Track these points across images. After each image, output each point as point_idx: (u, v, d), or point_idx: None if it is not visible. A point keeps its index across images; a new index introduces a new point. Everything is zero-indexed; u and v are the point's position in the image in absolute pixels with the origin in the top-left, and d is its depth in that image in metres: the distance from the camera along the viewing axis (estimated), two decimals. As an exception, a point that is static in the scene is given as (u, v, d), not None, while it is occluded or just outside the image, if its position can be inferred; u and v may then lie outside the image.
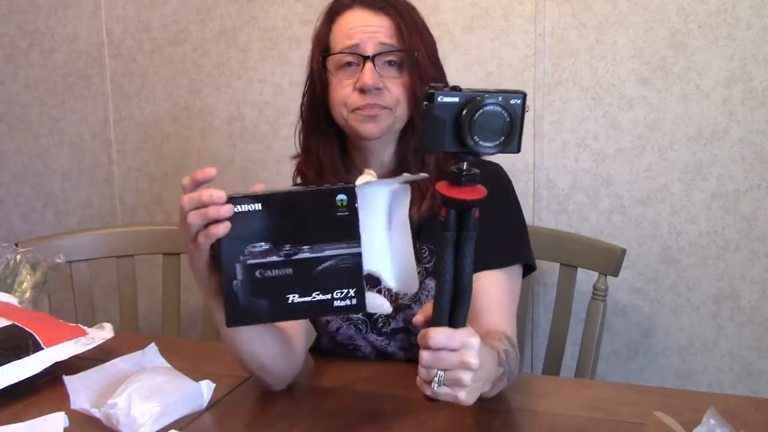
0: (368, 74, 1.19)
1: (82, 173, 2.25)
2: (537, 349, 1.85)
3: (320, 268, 0.96)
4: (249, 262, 0.94)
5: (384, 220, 1.00)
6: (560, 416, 1.10)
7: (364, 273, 0.98)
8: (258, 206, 0.93)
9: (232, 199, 0.93)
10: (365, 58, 1.20)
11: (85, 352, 1.27)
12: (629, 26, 1.69)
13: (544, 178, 1.80)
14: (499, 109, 0.84)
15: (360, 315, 1.29)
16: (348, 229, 0.96)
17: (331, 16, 1.27)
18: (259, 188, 0.96)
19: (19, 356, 1.20)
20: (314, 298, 0.96)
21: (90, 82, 2.19)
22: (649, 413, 0.92)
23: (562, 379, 1.58)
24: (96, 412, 1.06)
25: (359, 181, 0.98)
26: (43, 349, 1.23)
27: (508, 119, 0.84)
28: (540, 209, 1.81)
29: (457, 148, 0.85)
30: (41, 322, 1.30)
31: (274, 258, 0.95)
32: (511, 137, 0.84)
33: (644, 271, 1.76)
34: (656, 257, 1.75)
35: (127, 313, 1.80)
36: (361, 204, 0.96)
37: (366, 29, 1.21)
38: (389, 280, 1.02)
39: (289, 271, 0.95)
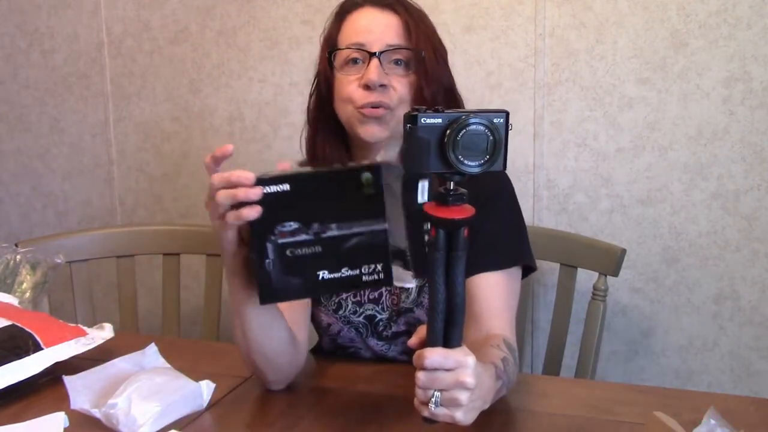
0: (373, 70, 1.18)
1: (82, 173, 2.25)
2: (537, 349, 1.85)
3: (348, 245, 0.99)
4: (280, 241, 0.98)
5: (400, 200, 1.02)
6: (560, 416, 1.10)
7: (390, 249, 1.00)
8: (286, 187, 0.96)
9: (261, 181, 0.95)
10: (371, 55, 1.19)
11: (85, 352, 1.27)
12: (629, 26, 1.69)
13: (544, 178, 1.80)
14: (482, 128, 0.86)
15: (361, 318, 1.29)
16: (374, 206, 0.98)
17: (341, 15, 1.27)
18: (284, 167, 0.98)
19: (19, 356, 1.20)
20: (343, 274, 1.00)
21: (90, 82, 2.19)
22: (649, 413, 0.92)
23: (562, 379, 1.58)
24: (96, 412, 1.06)
25: (380, 157, 0.99)
26: (43, 349, 1.23)
27: (491, 138, 0.86)
28: (540, 209, 1.81)
29: (442, 168, 0.87)
30: (41, 322, 1.30)
31: (304, 236, 0.98)
32: (495, 156, 0.86)
33: (644, 271, 1.76)
34: (656, 257, 1.75)
35: (127, 313, 1.80)
36: (392, 183, 0.98)
37: (374, 27, 1.21)
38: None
39: (319, 248, 0.99)
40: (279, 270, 0.99)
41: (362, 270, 1.00)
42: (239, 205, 0.95)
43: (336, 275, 1.00)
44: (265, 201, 0.95)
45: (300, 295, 1.04)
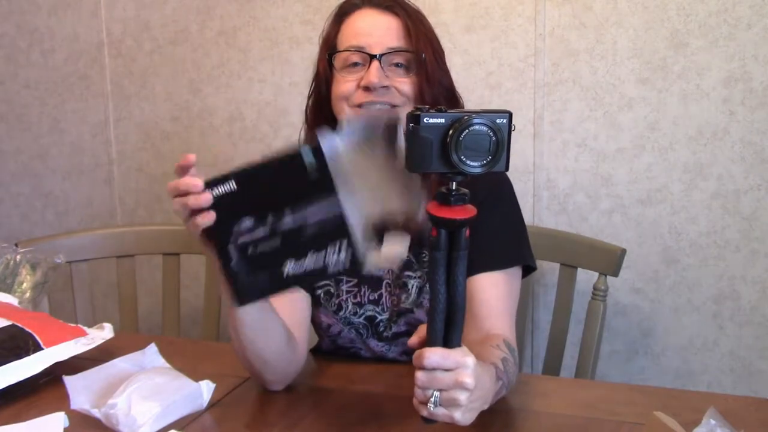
0: (374, 73, 1.18)
1: (82, 173, 2.25)
2: (537, 349, 1.85)
3: (306, 234, 0.96)
4: (239, 241, 0.96)
5: (365, 162, 0.96)
6: (560, 416, 1.10)
7: (375, 223, 0.96)
8: (233, 185, 0.95)
9: (208, 184, 0.95)
10: (372, 57, 1.19)
11: (85, 352, 1.27)
12: (629, 26, 1.69)
13: (544, 178, 1.80)
14: (485, 128, 0.85)
15: (361, 319, 1.29)
16: (323, 188, 0.95)
17: (340, 16, 1.26)
18: (189, 158, 0.97)
19: (19, 356, 1.20)
20: (308, 265, 0.97)
21: (90, 82, 2.19)
22: (649, 413, 0.92)
23: (562, 379, 1.58)
24: (96, 412, 1.06)
25: (322, 135, 0.95)
26: (43, 349, 1.23)
27: (494, 138, 0.85)
28: (540, 209, 1.81)
29: (444, 169, 0.86)
30: (41, 322, 1.30)
31: (261, 233, 0.96)
32: (498, 156, 0.86)
33: (644, 271, 1.76)
34: (656, 257, 1.75)
35: (127, 313, 1.80)
36: (338, 154, 0.94)
37: (374, 29, 1.21)
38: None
39: (278, 242, 0.96)
40: (244, 270, 0.97)
41: (327, 259, 0.97)
42: (195, 211, 0.96)
43: (301, 267, 0.97)
44: (218, 204, 0.95)
45: (271, 291, 1.02)
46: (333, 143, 0.94)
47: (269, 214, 0.96)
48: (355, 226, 0.96)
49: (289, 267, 0.98)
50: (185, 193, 0.96)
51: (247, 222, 0.96)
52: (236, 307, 1.03)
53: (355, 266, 0.97)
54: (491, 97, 1.79)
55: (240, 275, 0.97)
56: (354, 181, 0.95)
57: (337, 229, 0.96)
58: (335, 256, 0.97)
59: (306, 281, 1.04)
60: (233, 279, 0.98)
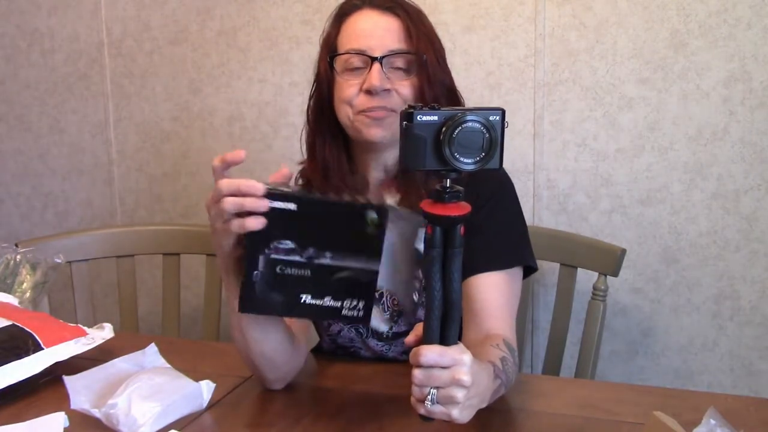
0: (375, 76, 1.18)
1: (82, 173, 2.25)
2: (537, 349, 1.85)
3: (337, 276, 1.00)
4: (272, 256, 0.98)
5: (394, 240, 1.02)
6: (560, 416, 1.10)
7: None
8: (293, 206, 0.96)
9: (269, 194, 0.96)
10: (373, 60, 1.19)
11: (85, 352, 1.27)
12: (629, 26, 1.69)
13: (544, 178, 1.80)
14: (478, 125, 0.86)
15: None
16: (372, 246, 1.00)
17: (340, 17, 1.26)
18: (284, 172, 1.00)
19: (19, 356, 1.20)
20: (325, 302, 1.01)
21: (90, 82, 2.19)
22: (649, 413, 0.92)
23: (562, 379, 1.58)
24: (96, 412, 1.06)
25: (388, 201, 1.00)
26: (43, 349, 1.23)
27: (487, 135, 0.86)
28: (540, 209, 1.81)
29: (438, 166, 0.87)
30: (41, 322, 1.30)
31: (297, 258, 0.99)
32: (491, 153, 0.86)
33: (644, 271, 1.76)
34: (656, 257, 1.75)
35: (127, 313, 1.80)
36: (388, 226, 0.99)
37: (375, 31, 1.20)
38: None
39: (308, 272, 0.99)
40: (264, 283, 0.99)
41: (344, 303, 1.01)
42: (244, 213, 0.95)
43: (318, 302, 1.01)
44: (269, 214, 0.96)
45: (279, 311, 1.05)
46: (394, 215, 1.00)
47: (312, 246, 0.99)
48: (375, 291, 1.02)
49: (307, 298, 1.01)
50: (244, 195, 0.95)
51: (289, 243, 0.98)
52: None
53: (365, 319, 1.03)
54: (491, 97, 1.79)
55: (257, 286, 0.99)
56: (388, 253, 1.01)
57: (363, 288, 1.01)
58: (351, 312, 1.02)
59: (319, 315, 1.08)
60: (249, 286, 0.99)
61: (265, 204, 0.95)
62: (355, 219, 0.99)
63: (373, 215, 0.98)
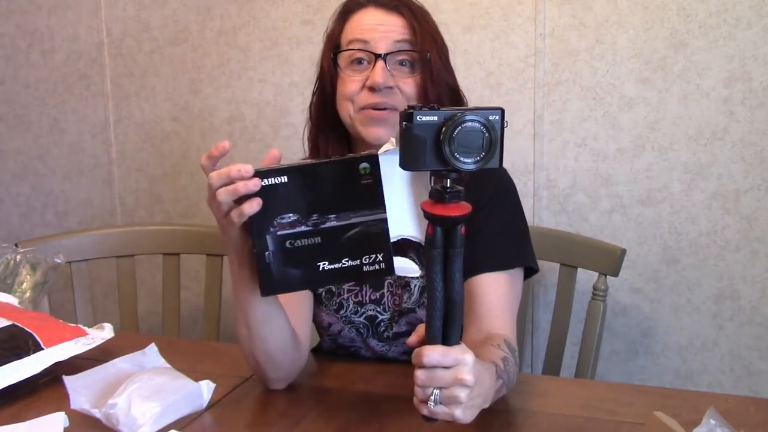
0: (379, 73, 1.17)
1: (82, 173, 2.25)
2: (537, 349, 1.85)
3: (347, 235, 1.00)
4: (279, 233, 0.98)
5: (405, 185, 1.02)
6: (560, 416, 1.10)
7: (395, 239, 1.00)
8: (284, 179, 0.96)
9: (258, 173, 0.96)
10: (377, 57, 1.19)
11: (85, 352, 1.27)
12: (629, 26, 1.69)
13: (544, 178, 1.80)
14: (478, 125, 0.86)
15: (362, 318, 1.29)
16: (372, 195, 0.99)
17: (344, 14, 1.26)
18: (274, 153, 0.99)
19: (19, 356, 1.20)
20: (344, 264, 1.01)
21: (90, 82, 2.19)
22: (649, 413, 0.92)
23: (562, 379, 1.58)
24: (96, 412, 1.06)
25: (382, 149, 0.99)
26: (43, 349, 1.23)
27: (487, 135, 0.86)
28: (540, 209, 1.81)
29: (438, 166, 0.87)
30: (41, 322, 1.30)
31: (303, 228, 0.99)
32: (491, 153, 0.87)
33: (644, 271, 1.76)
34: (656, 257, 1.75)
35: (127, 313, 1.80)
36: (384, 172, 0.98)
37: (379, 27, 1.20)
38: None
39: (318, 239, 0.99)
40: (279, 261, 0.99)
41: (363, 260, 1.01)
42: (240, 200, 0.96)
43: (336, 266, 1.00)
44: (264, 193, 0.96)
45: (301, 286, 1.05)
46: (390, 158, 0.97)
47: (314, 212, 0.98)
48: (395, 237, 1.00)
49: (325, 265, 1.00)
50: (234, 180, 0.95)
51: (291, 216, 0.98)
52: (261, 299, 1.04)
53: (389, 269, 1.01)
54: (491, 97, 1.79)
55: (273, 266, 0.99)
56: (393, 198, 0.99)
57: (377, 240, 1.00)
58: (373, 266, 1.01)
59: (341, 279, 1.06)
60: (266, 268, 0.99)
61: (256, 182, 0.95)
62: (348, 173, 0.98)
63: (364, 165, 0.97)
